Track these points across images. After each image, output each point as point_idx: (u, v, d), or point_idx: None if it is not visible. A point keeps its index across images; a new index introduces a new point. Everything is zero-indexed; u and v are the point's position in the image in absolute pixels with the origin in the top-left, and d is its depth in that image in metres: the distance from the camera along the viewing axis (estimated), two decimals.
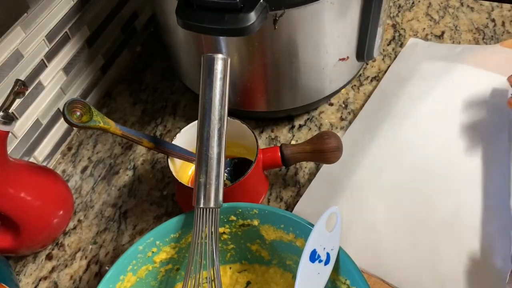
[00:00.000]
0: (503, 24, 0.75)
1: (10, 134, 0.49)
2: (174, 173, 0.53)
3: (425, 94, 0.63)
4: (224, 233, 0.50)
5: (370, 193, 0.56)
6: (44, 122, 0.63)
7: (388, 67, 0.71)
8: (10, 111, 0.48)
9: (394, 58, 0.72)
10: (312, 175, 0.60)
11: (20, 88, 0.47)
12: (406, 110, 0.62)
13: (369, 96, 0.68)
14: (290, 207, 0.58)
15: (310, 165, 0.62)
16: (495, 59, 0.65)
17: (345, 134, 0.63)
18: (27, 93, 0.58)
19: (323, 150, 0.55)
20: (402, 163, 0.57)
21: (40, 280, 0.56)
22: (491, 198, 0.52)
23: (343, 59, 0.61)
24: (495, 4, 0.78)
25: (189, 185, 0.56)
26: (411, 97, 0.63)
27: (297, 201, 0.58)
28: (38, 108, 0.62)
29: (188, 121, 0.58)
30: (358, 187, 0.56)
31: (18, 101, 0.56)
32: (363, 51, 0.62)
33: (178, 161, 0.56)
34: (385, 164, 0.57)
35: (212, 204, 0.44)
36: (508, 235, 0.48)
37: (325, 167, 0.60)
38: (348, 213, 0.53)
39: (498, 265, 0.48)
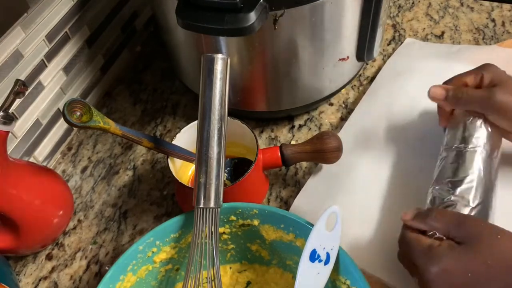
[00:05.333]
0: (503, 24, 0.75)
1: (10, 134, 0.49)
2: (174, 173, 0.53)
3: (422, 92, 0.62)
4: (224, 233, 0.50)
5: (368, 191, 0.55)
6: (44, 122, 0.63)
7: None
8: (10, 111, 0.48)
9: None
10: (311, 175, 0.60)
11: (20, 88, 0.47)
12: (403, 108, 0.62)
13: None
14: (290, 207, 0.58)
15: (310, 165, 0.62)
16: (492, 59, 0.65)
17: (342, 131, 0.63)
18: (27, 93, 0.58)
19: (323, 150, 0.55)
20: (400, 161, 0.57)
21: (40, 280, 0.56)
22: (490, 197, 0.52)
23: (343, 59, 0.61)
24: (495, 4, 0.78)
25: (189, 185, 0.56)
26: (407, 94, 0.63)
27: None
28: (38, 108, 0.62)
29: (188, 121, 0.58)
30: (356, 185, 0.56)
31: (18, 101, 0.56)
32: (363, 51, 0.62)
33: (178, 161, 0.56)
34: (383, 162, 0.57)
35: (212, 204, 0.44)
36: None
37: (322, 164, 0.60)
38: (347, 211, 0.53)
39: None
